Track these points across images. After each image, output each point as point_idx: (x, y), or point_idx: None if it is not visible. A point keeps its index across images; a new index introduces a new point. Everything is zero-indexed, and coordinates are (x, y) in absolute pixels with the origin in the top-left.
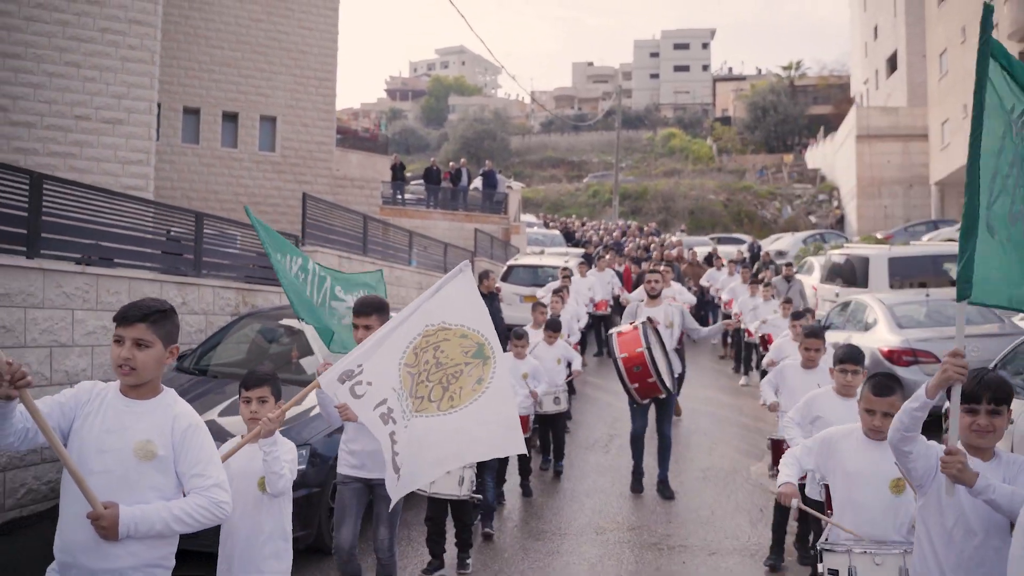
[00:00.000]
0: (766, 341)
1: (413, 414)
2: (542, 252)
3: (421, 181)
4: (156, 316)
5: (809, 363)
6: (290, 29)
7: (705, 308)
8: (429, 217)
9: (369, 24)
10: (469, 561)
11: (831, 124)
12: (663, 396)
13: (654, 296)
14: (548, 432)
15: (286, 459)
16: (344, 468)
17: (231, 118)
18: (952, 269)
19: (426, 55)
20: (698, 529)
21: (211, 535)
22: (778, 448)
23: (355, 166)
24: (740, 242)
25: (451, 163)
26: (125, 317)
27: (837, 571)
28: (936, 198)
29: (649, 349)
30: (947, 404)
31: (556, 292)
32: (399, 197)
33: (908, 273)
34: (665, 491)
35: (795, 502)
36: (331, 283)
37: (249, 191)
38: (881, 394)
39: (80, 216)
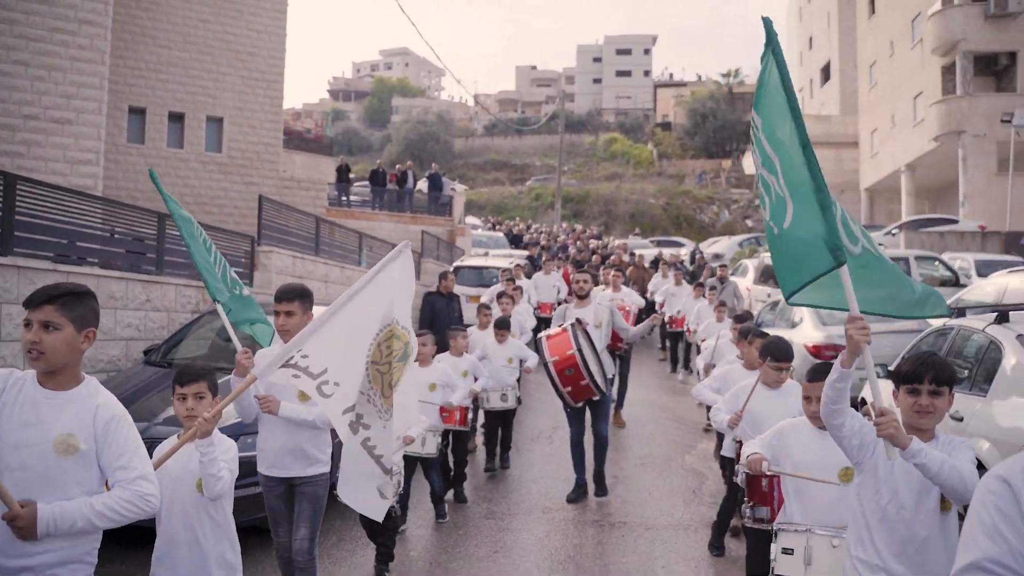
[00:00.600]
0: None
1: (388, 411)
2: (486, 254)
3: (367, 183)
4: (66, 298)
5: (752, 365)
6: (238, 31)
7: (652, 312)
8: (375, 219)
9: (312, 24)
10: (389, 574)
11: None
12: (597, 398)
13: (582, 297)
14: (496, 428)
15: (225, 459)
16: (262, 467)
17: (177, 118)
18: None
19: (370, 56)
20: (636, 508)
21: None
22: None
23: (299, 167)
24: (680, 245)
25: (397, 165)
26: (32, 299)
27: (792, 550)
28: (866, 203)
29: (580, 351)
30: (866, 388)
31: (500, 296)
32: (345, 199)
33: None
34: (600, 487)
35: (765, 464)
36: (227, 267)
37: (195, 191)
38: (814, 380)
39: (51, 216)
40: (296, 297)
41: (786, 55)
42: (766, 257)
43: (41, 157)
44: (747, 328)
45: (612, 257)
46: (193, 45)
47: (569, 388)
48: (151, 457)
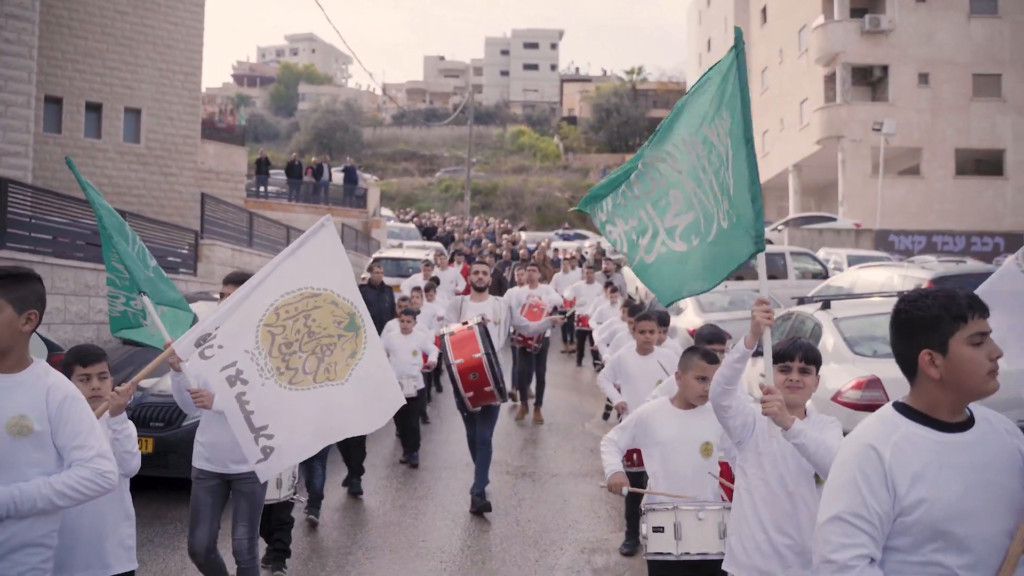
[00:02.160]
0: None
1: (279, 380)
2: (400, 245)
3: (282, 173)
4: (4, 280)
5: (644, 348)
6: (156, 23)
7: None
8: (292, 210)
9: (216, 5)
10: (286, 570)
11: None
12: (497, 404)
13: (480, 289)
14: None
15: (136, 436)
16: (198, 461)
17: (95, 108)
18: (757, 264)
19: (275, 41)
20: (545, 462)
21: (182, 465)
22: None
23: (212, 157)
24: (584, 238)
25: (313, 159)
26: None
27: (663, 527)
28: None
29: (488, 355)
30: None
31: (417, 289)
32: (263, 190)
33: None
34: (482, 504)
35: (625, 489)
36: (140, 243)
37: (114, 182)
38: (713, 362)
39: (36, 214)
40: (241, 282)
41: (685, 55)
42: None
43: None
44: (634, 309)
45: (535, 252)
46: (111, 36)
47: (471, 393)
48: None
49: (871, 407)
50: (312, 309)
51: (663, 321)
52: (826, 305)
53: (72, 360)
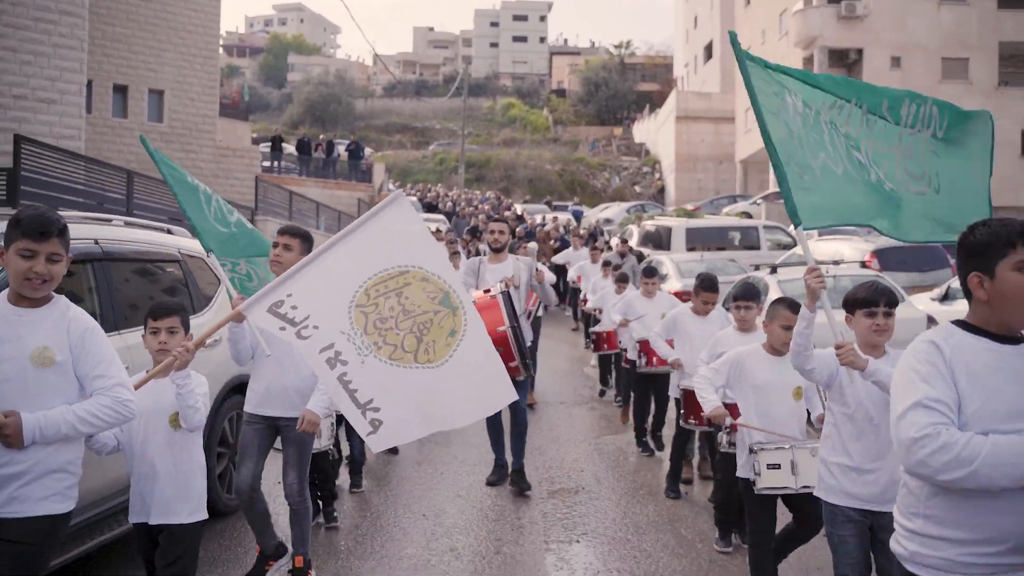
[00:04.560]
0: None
1: (378, 354)
2: None
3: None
4: (64, 232)
5: (703, 312)
6: (177, 9)
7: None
8: (304, 184)
9: None
10: (336, 514)
11: (656, 101)
12: (521, 379)
13: (498, 250)
14: None
15: (200, 392)
16: (249, 406)
17: (121, 90)
18: (736, 237)
19: (263, 10)
20: (550, 391)
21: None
22: (690, 396)
23: (219, 132)
24: (578, 213)
25: (321, 136)
26: (42, 232)
27: (779, 464)
28: (740, 174)
29: (514, 328)
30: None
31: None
32: (276, 165)
33: (700, 239)
34: (521, 483)
35: (728, 420)
36: (218, 202)
37: (140, 159)
38: (797, 311)
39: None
40: (299, 235)
41: (672, 32)
42: (647, 225)
43: (31, 133)
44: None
45: (545, 229)
46: (135, 22)
47: None
48: None
49: None
50: (403, 287)
51: (717, 289)
52: (774, 270)
53: (147, 312)
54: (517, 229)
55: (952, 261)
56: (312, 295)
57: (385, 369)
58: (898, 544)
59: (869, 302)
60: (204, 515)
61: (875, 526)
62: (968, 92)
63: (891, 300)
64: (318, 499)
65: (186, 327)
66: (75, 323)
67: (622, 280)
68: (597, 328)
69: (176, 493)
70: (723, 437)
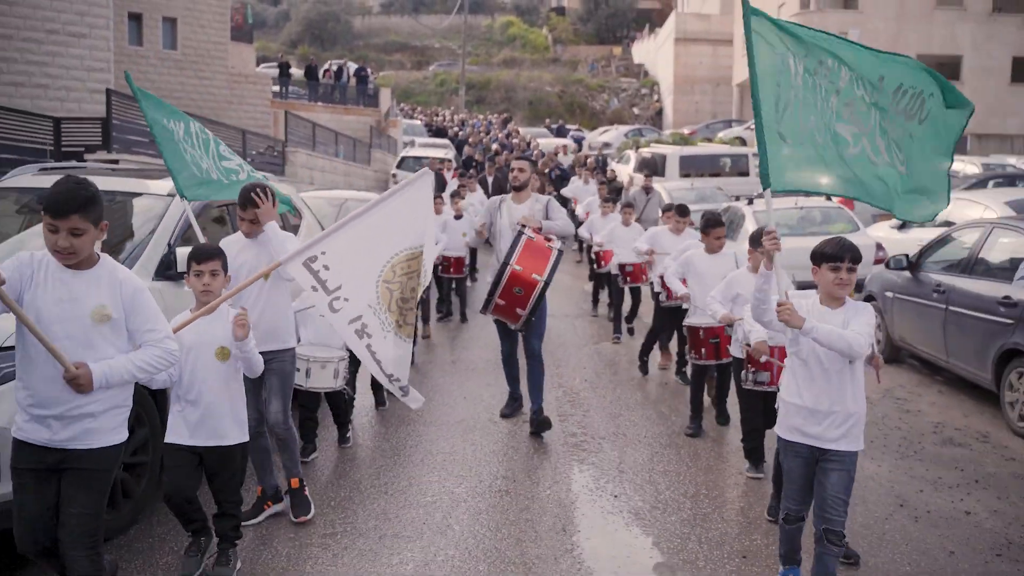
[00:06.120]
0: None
1: (399, 332)
2: (412, 142)
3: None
4: (87, 206)
5: (714, 249)
6: None
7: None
8: (313, 110)
9: None
10: (349, 435)
11: (656, 20)
12: (513, 327)
13: (519, 188)
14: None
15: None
16: None
17: (136, 18)
18: (727, 164)
19: None
20: (562, 335)
21: None
22: (695, 334)
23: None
24: (579, 137)
25: (330, 61)
26: (58, 211)
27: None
28: (737, 97)
29: (546, 283)
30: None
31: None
32: (283, 90)
33: (694, 166)
34: (542, 422)
35: (764, 357)
36: (215, 145)
37: (156, 86)
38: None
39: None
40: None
41: None
42: (643, 151)
43: (63, 66)
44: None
45: (542, 161)
46: None
47: (503, 302)
48: None
49: None
50: (417, 270)
51: (723, 223)
52: (751, 202)
53: (190, 256)
54: (535, 155)
55: None
56: (343, 260)
57: (401, 345)
58: None
59: (834, 257)
60: (246, 437)
61: (820, 459)
62: (962, 18)
63: (855, 257)
64: (337, 423)
65: (226, 269)
66: (126, 284)
67: (628, 206)
68: (598, 249)
69: (222, 418)
70: (748, 376)
